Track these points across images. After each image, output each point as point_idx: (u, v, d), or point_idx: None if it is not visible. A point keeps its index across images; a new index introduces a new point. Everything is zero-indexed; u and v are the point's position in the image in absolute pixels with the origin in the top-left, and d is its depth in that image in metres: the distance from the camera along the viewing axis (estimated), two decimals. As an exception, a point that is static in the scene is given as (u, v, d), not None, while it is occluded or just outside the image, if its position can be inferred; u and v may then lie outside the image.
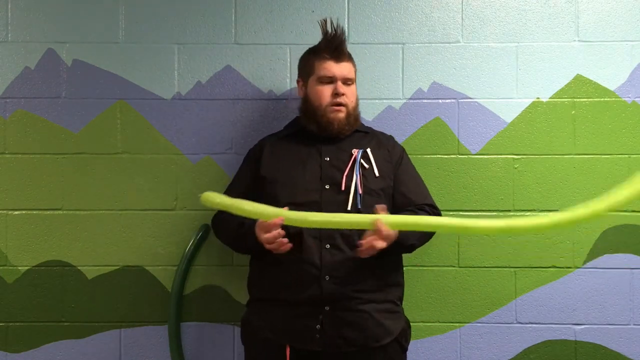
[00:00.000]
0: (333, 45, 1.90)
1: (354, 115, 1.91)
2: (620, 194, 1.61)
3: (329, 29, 1.91)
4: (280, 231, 1.69)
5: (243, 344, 1.92)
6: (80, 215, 2.22)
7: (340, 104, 1.87)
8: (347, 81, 1.89)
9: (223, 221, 1.92)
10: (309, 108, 1.92)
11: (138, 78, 2.23)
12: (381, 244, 1.67)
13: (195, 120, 2.23)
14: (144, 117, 2.23)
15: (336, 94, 1.87)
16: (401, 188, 1.90)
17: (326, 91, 1.88)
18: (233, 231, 1.86)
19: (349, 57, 1.92)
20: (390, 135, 2.05)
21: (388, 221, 1.66)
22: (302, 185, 1.83)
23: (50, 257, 2.21)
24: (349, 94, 1.90)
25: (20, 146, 2.22)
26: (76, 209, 2.22)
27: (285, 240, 1.70)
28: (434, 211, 1.91)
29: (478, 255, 2.21)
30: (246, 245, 1.83)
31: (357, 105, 1.94)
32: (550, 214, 1.66)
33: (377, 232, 1.65)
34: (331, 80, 1.88)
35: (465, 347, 2.21)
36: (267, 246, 1.71)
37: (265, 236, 1.70)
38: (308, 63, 1.95)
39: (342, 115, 1.87)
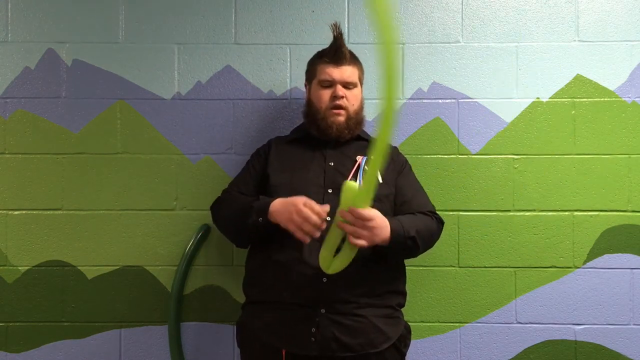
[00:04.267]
0: (333, 49, 1.92)
1: (355, 119, 1.91)
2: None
3: (334, 33, 1.92)
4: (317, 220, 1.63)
5: (239, 346, 1.90)
6: (80, 215, 2.22)
7: (339, 107, 1.88)
8: (347, 85, 1.90)
9: (229, 199, 1.90)
10: (310, 111, 1.94)
11: (138, 78, 2.23)
12: (367, 231, 1.62)
13: (195, 120, 2.23)
14: (144, 117, 2.23)
15: (335, 97, 1.88)
16: (401, 196, 1.89)
17: (325, 95, 1.89)
18: (240, 205, 1.81)
19: (351, 61, 1.91)
20: (395, 146, 2.07)
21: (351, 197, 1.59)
22: (304, 188, 1.81)
23: (50, 257, 2.21)
24: (350, 98, 1.90)
25: (20, 146, 2.22)
26: (76, 209, 2.22)
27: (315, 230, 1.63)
28: (435, 216, 1.88)
29: (478, 255, 2.21)
30: (250, 219, 1.75)
31: (360, 109, 1.94)
32: None
33: (355, 216, 1.59)
34: (331, 84, 1.89)
35: (465, 347, 2.21)
36: (296, 217, 1.64)
37: (306, 211, 1.63)
38: (312, 67, 1.97)
39: (341, 118, 1.88)
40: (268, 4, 2.25)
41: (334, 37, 1.92)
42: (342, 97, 1.88)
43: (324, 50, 1.96)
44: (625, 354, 2.19)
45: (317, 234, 1.65)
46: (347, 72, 1.89)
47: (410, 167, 2.01)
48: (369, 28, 2.24)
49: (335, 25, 1.93)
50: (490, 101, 2.23)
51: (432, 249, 2.18)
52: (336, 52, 1.90)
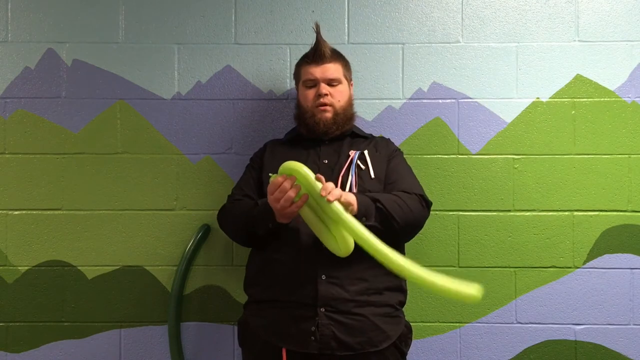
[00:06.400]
0: (312, 49, 1.96)
1: (343, 115, 1.93)
2: (444, 284, 1.58)
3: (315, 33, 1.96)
4: (288, 192, 1.62)
5: (240, 346, 1.90)
6: (80, 215, 2.22)
7: (324, 104, 1.90)
8: (331, 82, 1.92)
9: (233, 208, 1.90)
10: (299, 112, 1.97)
11: (138, 78, 2.23)
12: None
13: (195, 120, 2.23)
14: (144, 117, 2.23)
15: (319, 95, 1.91)
16: (387, 179, 1.88)
17: (310, 94, 1.93)
18: (246, 209, 1.81)
19: (332, 58, 1.94)
20: (388, 138, 2.07)
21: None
22: None
23: (50, 257, 2.21)
24: (336, 94, 1.92)
25: (20, 146, 2.22)
26: (76, 209, 2.22)
27: (291, 197, 1.62)
28: (418, 196, 1.83)
29: (478, 255, 2.21)
30: (257, 221, 1.76)
31: (347, 105, 1.95)
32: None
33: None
34: (314, 83, 1.93)
35: (465, 347, 2.21)
36: (275, 203, 1.65)
37: (274, 195, 1.64)
38: (297, 69, 2.02)
39: (328, 115, 1.91)
40: (268, 4, 2.25)
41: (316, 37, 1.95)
42: (326, 94, 1.90)
43: (306, 52, 2.00)
44: (625, 354, 2.19)
45: (293, 194, 1.63)
46: (329, 69, 1.92)
47: (402, 154, 2.00)
48: (369, 28, 2.24)
49: (315, 25, 1.97)
50: (490, 101, 2.23)
51: (432, 249, 2.19)
52: (316, 52, 1.94)
